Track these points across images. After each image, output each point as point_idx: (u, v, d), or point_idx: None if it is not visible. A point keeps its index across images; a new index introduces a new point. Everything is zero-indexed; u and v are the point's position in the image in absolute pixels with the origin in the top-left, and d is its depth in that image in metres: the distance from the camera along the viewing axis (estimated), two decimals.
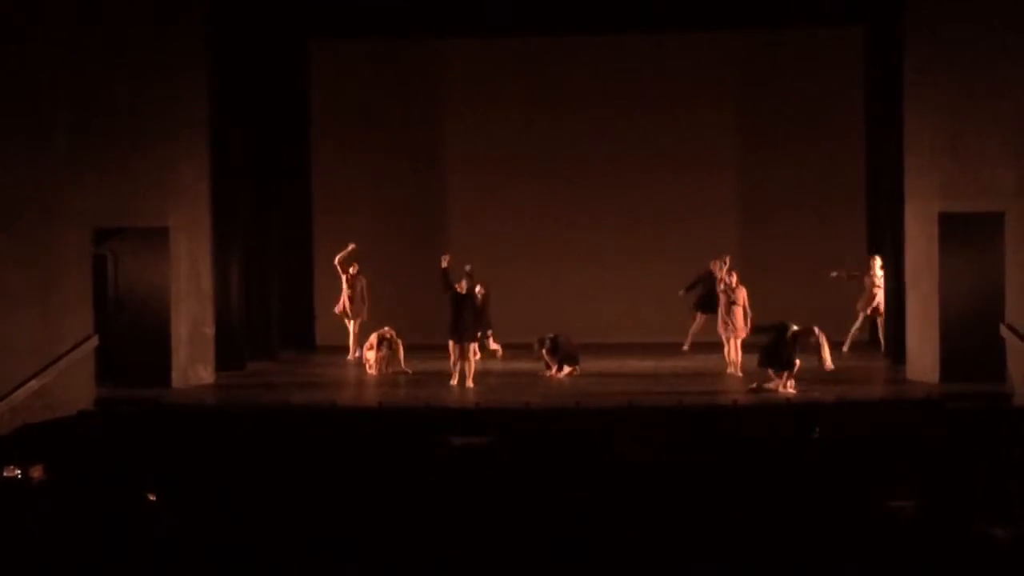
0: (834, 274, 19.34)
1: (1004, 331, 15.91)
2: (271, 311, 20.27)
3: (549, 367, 17.76)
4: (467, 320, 16.97)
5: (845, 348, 19.00)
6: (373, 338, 18.39)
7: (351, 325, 19.83)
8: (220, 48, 18.12)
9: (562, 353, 17.72)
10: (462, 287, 17.00)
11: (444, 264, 17.35)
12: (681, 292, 19.62)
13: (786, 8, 20.46)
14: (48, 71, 15.90)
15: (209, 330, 17.84)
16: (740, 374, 17.45)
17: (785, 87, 21.48)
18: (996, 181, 16.20)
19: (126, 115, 16.85)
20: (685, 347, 19.84)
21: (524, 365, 18.57)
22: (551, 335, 17.82)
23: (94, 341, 16.42)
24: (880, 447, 12.21)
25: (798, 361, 16.11)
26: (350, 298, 19.66)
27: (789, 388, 16.00)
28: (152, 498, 9.92)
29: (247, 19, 19.20)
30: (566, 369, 17.75)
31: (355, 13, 20.84)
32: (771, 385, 16.12)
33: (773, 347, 16.18)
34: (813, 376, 17.15)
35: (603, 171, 21.74)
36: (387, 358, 18.23)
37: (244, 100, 19.10)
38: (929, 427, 13.94)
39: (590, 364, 18.32)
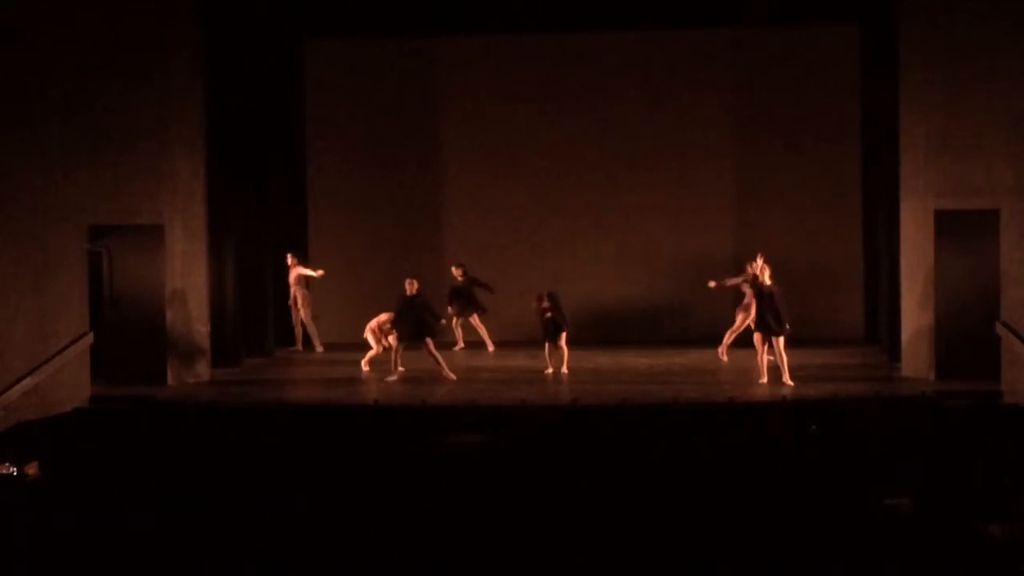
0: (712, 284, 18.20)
1: (999, 328, 15.92)
2: (266, 308, 20.25)
3: (546, 335, 17.54)
4: (411, 319, 17.18)
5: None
6: (384, 317, 18.15)
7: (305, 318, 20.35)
8: (215, 46, 18.10)
9: (559, 312, 17.49)
10: (412, 288, 17.22)
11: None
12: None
13: (782, 6, 20.47)
14: (42, 68, 15.88)
15: (204, 327, 17.81)
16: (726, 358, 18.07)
17: (781, 84, 21.47)
18: (991, 178, 16.20)
19: (121, 112, 16.82)
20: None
21: (520, 363, 18.57)
22: (548, 291, 17.62)
23: (89, 338, 16.40)
24: (876, 444, 12.23)
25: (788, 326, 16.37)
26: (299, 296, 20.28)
27: (781, 355, 16.29)
28: (147, 495, 9.92)
29: (242, 16, 19.18)
30: (562, 344, 17.55)
31: (350, 11, 20.82)
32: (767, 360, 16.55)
33: (759, 312, 16.46)
34: (809, 374, 17.16)
35: (600, 169, 21.72)
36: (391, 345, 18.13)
37: (239, 97, 19.08)
38: (925, 424, 13.95)
39: (586, 362, 18.33)
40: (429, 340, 17.29)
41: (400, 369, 17.83)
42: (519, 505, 9.20)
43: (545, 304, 17.40)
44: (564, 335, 17.53)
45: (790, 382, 16.27)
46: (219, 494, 9.99)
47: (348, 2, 20.71)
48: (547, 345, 17.66)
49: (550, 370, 17.68)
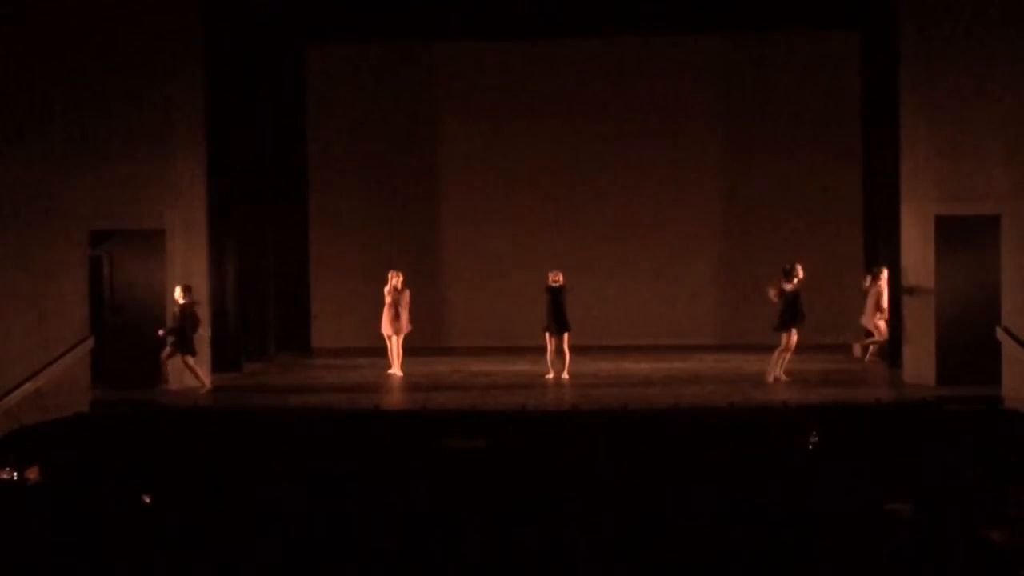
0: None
1: (1000, 333, 15.91)
2: (267, 313, 20.26)
3: (550, 323, 17.54)
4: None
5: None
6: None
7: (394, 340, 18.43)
8: (216, 50, 18.11)
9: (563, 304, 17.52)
10: (183, 297, 16.78)
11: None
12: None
13: (783, 12, 20.48)
14: (44, 73, 15.88)
15: (205, 332, 17.82)
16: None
17: (782, 90, 21.49)
18: (992, 184, 16.21)
19: (122, 117, 16.84)
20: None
21: (522, 367, 18.56)
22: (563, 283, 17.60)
23: (90, 343, 16.40)
24: (877, 449, 12.23)
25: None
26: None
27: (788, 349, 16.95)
28: (147, 500, 9.92)
29: (243, 21, 19.20)
30: (565, 348, 17.54)
31: (350, 16, 20.84)
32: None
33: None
34: (810, 378, 17.17)
35: (598, 174, 21.75)
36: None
37: (240, 102, 19.11)
38: (925, 429, 13.95)
39: (586, 367, 18.32)
40: (187, 357, 16.97)
41: (394, 371, 17.96)
42: (519, 510, 9.20)
43: (558, 279, 17.40)
44: (567, 335, 17.55)
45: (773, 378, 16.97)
46: (219, 498, 9.98)
47: (348, 7, 20.73)
48: (549, 350, 17.67)
49: (551, 375, 17.68)
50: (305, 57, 21.83)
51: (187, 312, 16.89)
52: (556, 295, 17.50)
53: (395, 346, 18.26)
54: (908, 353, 17.14)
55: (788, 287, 16.77)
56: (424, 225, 22.06)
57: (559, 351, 17.65)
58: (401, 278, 18.19)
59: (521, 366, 18.66)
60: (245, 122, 19.30)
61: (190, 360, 16.96)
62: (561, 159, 21.77)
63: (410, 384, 17.72)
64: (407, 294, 18.24)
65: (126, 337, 17.28)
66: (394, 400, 16.56)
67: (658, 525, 8.65)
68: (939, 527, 8.66)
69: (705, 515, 8.90)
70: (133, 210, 17.06)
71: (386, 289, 18.20)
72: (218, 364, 18.19)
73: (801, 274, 16.92)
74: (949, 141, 16.41)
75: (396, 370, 18.22)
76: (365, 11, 20.73)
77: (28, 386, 15.33)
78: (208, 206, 17.82)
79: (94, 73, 16.65)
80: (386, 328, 18.24)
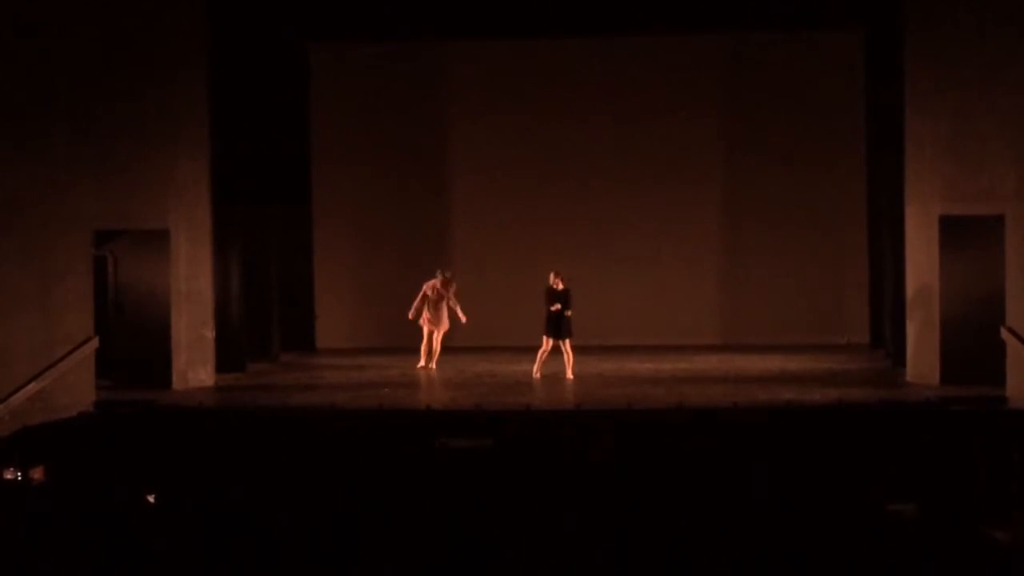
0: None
1: (1004, 334, 15.90)
2: (271, 313, 20.26)
3: (550, 328, 17.54)
4: None
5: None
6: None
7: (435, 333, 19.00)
8: (220, 51, 18.11)
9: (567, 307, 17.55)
10: None
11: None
12: None
13: (787, 12, 20.45)
14: (48, 73, 15.90)
15: (209, 332, 17.83)
16: None
17: (786, 90, 21.46)
18: (996, 184, 16.20)
19: (126, 117, 16.84)
20: None
21: (526, 367, 18.54)
22: (566, 287, 17.65)
23: (94, 343, 16.41)
24: (880, 449, 12.23)
25: None
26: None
27: None
28: (151, 500, 9.93)
29: (247, 22, 19.20)
30: (567, 348, 17.55)
31: (354, 16, 20.83)
32: None
33: None
34: (814, 378, 17.15)
35: (601, 174, 21.72)
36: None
37: (244, 102, 19.10)
38: (929, 430, 13.94)
39: (590, 366, 18.31)
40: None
41: (421, 365, 18.46)
42: (523, 509, 9.20)
43: (559, 284, 17.42)
44: (568, 340, 17.55)
45: None
46: (223, 498, 9.99)
47: (352, 7, 20.72)
48: (543, 351, 17.64)
49: (538, 375, 17.68)
50: (310, 56, 21.82)
51: None
52: (556, 300, 17.47)
53: (434, 341, 18.75)
54: (912, 353, 17.12)
55: None
56: (429, 224, 22.05)
57: (556, 352, 17.64)
58: (442, 277, 18.76)
59: (526, 366, 18.62)
60: (249, 122, 19.29)
61: None
62: (564, 159, 21.75)
63: (415, 383, 17.73)
64: (453, 288, 18.76)
65: (131, 337, 17.29)
66: (397, 400, 16.55)
67: (661, 524, 8.65)
68: (943, 528, 8.66)
69: (708, 515, 8.90)
70: (137, 210, 17.07)
71: (435, 285, 18.69)
72: (222, 364, 18.19)
73: None
74: (953, 141, 16.40)
75: (425, 364, 18.68)
76: (370, 10, 20.72)
77: (33, 386, 15.34)
78: (212, 206, 17.82)
79: (98, 74, 16.65)
80: (426, 322, 18.75)
